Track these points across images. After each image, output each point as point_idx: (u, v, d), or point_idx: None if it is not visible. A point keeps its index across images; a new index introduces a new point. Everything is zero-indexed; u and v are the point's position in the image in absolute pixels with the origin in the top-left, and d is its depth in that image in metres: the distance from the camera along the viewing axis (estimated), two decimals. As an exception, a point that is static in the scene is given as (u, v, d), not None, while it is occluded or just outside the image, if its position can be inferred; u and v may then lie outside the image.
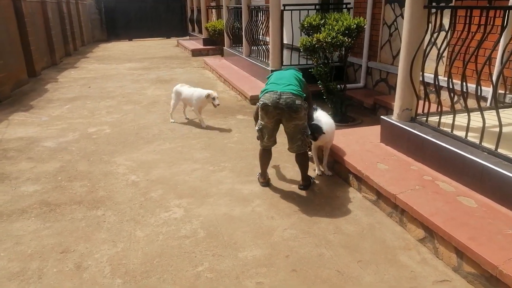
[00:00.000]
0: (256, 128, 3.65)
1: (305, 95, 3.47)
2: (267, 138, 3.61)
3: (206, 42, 14.49)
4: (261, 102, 3.42)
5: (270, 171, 4.06)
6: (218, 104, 5.54)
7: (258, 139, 3.70)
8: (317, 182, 3.90)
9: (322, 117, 3.93)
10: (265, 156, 3.77)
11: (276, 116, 3.43)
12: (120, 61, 13.11)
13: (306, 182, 3.76)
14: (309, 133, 3.60)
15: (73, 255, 2.84)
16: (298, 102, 3.34)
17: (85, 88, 8.75)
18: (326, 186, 3.82)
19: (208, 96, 5.48)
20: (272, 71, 3.98)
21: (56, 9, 13.32)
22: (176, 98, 5.88)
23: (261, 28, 8.26)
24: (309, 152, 4.00)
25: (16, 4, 9.10)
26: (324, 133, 3.72)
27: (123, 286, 2.52)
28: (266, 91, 3.47)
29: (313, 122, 3.75)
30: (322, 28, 5.41)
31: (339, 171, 4.01)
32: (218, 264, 2.69)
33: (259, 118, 3.58)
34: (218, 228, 3.13)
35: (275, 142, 3.72)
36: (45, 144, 5.13)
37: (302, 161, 3.70)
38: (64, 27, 14.03)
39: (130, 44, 19.11)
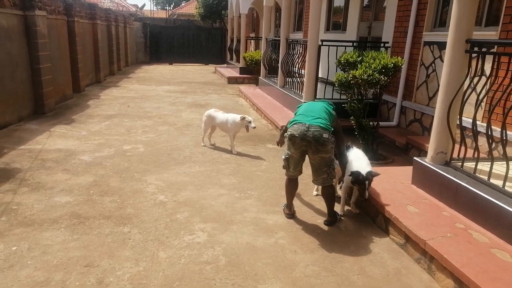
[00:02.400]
0: (283, 157, 3.68)
1: (332, 129, 3.48)
2: (292, 168, 3.63)
3: (242, 70, 14.87)
4: (289, 133, 3.46)
5: (296, 203, 4.02)
6: (254, 127, 5.66)
7: (284, 168, 3.71)
8: (343, 219, 3.83)
9: (360, 160, 3.77)
10: (291, 186, 3.76)
11: (302, 147, 3.44)
12: (160, 83, 13.63)
13: (332, 218, 3.70)
14: (351, 178, 3.62)
15: (96, 270, 2.89)
16: (325, 135, 3.35)
17: (124, 106, 9.12)
18: (352, 224, 3.73)
19: (243, 119, 5.59)
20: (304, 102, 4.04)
21: (106, 31, 14.16)
22: (209, 122, 6.01)
23: (297, 61, 8.40)
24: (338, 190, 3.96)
25: (69, 24, 9.78)
26: (371, 179, 3.58)
27: (141, 306, 2.53)
28: (294, 122, 3.50)
29: (355, 171, 3.58)
30: (359, 65, 5.44)
31: (367, 210, 3.92)
32: (236, 294, 2.66)
33: (286, 148, 3.60)
34: (240, 257, 3.11)
35: (300, 172, 3.71)
36: (81, 157, 5.34)
37: (328, 195, 3.66)
38: (111, 48, 14.84)
39: (170, 68, 19.88)
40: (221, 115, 5.91)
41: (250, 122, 5.61)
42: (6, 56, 6.64)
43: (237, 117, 5.69)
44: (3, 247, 3.13)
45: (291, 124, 3.53)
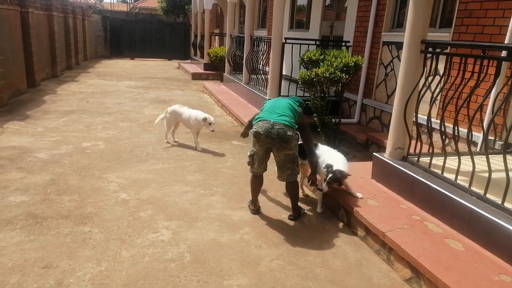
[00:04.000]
0: (248, 154, 3.73)
1: (297, 126, 3.55)
2: (257, 165, 3.68)
3: (206, 67, 14.74)
4: (254, 130, 3.50)
5: (262, 199, 4.06)
6: (213, 131, 5.60)
7: (248, 165, 3.76)
8: (308, 213, 3.91)
9: (336, 157, 3.79)
10: (256, 182, 3.80)
11: (267, 144, 3.49)
12: (121, 78, 13.24)
13: (296, 213, 3.77)
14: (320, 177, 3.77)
15: (55, 271, 2.78)
16: (289, 133, 3.41)
17: (83, 102, 8.79)
18: (316, 218, 3.82)
19: (205, 120, 5.54)
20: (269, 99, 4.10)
21: (62, 23, 13.54)
22: (173, 119, 5.91)
23: (262, 58, 8.45)
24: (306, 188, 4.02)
25: (23, 15, 9.27)
26: (349, 174, 3.63)
27: (103, 306, 2.46)
28: (259, 119, 3.54)
29: (336, 169, 3.57)
30: (321, 63, 5.56)
31: (329, 205, 4.03)
32: (202, 291, 2.66)
33: (251, 145, 3.65)
34: (205, 253, 3.10)
35: (265, 169, 3.77)
36: (37, 155, 5.10)
37: (292, 190, 3.75)
38: (69, 41, 14.22)
39: (131, 63, 19.34)
40: (186, 111, 5.83)
41: (210, 124, 5.53)
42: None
43: (200, 115, 5.64)
44: (-49, 250, 2.94)
45: (256, 121, 3.56)
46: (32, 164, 4.78)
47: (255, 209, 3.85)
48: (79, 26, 16.17)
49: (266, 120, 3.47)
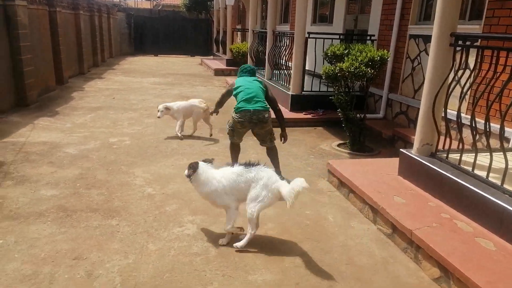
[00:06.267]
0: (228, 127, 4.39)
1: (269, 107, 4.29)
2: (236, 137, 4.44)
3: (229, 62, 14.79)
4: (238, 119, 4.19)
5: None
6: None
7: (228, 134, 4.45)
8: (332, 210, 3.87)
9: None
10: (236, 149, 4.56)
11: (249, 127, 4.30)
12: (145, 75, 13.45)
13: (278, 170, 4.24)
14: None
15: (85, 262, 2.86)
16: (266, 115, 4.22)
17: (109, 98, 8.98)
18: (340, 215, 3.78)
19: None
20: (240, 75, 4.53)
21: (89, 21, 13.86)
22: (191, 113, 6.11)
23: (284, 53, 8.40)
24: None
25: (51, 14, 9.53)
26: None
27: (131, 298, 2.52)
28: (241, 109, 4.16)
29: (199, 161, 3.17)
30: (346, 58, 5.47)
31: (354, 201, 3.98)
32: (227, 285, 2.68)
33: (232, 123, 4.30)
34: (229, 248, 3.12)
35: (241, 140, 4.53)
36: (66, 150, 5.26)
37: (274, 153, 4.49)
38: (95, 39, 14.54)
39: (155, 60, 19.62)
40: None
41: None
42: (-14, 46, 6.45)
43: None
44: (-12, 241, 3.07)
45: (238, 110, 4.18)
46: (61, 159, 4.93)
47: None
48: (105, 24, 16.51)
49: (247, 109, 4.14)
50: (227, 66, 14.81)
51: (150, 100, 9.07)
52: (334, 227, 3.54)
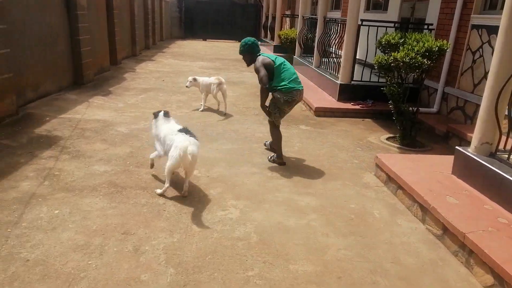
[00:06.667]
0: (276, 113, 4.43)
1: None
2: (281, 118, 4.53)
3: (276, 49, 14.66)
4: (291, 99, 4.28)
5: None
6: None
7: (275, 120, 4.48)
8: (379, 205, 3.75)
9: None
10: (280, 136, 4.58)
11: (292, 106, 4.44)
12: (194, 59, 13.66)
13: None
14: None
15: (132, 237, 2.98)
16: None
17: (159, 81, 9.22)
18: (387, 211, 3.66)
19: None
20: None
21: (142, 5, 14.23)
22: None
23: (334, 41, 8.16)
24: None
25: (108, -3, 9.87)
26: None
27: (175, 276, 2.59)
28: (292, 88, 4.24)
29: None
30: (401, 48, 5.22)
31: (402, 198, 3.83)
32: (268, 272, 2.68)
33: (278, 105, 4.35)
34: (271, 235, 3.12)
35: None
36: (118, 128, 5.47)
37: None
38: (147, 22, 14.94)
39: (204, 44, 19.87)
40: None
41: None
42: (47, 27, 6.80)
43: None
44: (46, 210, 3.28)
45: (289, 89, 4.23)
46: (113, 137, 5.14)
47: (283, 161, 4.52)
48: (157, 8, 16.90)
49: (297, 89, 4.29)
50: (274, 52, 14.68)
51: (197, 83, 9.19)
52: (379, 223, 3.43)
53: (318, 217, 3.45)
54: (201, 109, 6.81)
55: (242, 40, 4.53)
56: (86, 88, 7.77)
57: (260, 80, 4.32)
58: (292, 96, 4.26)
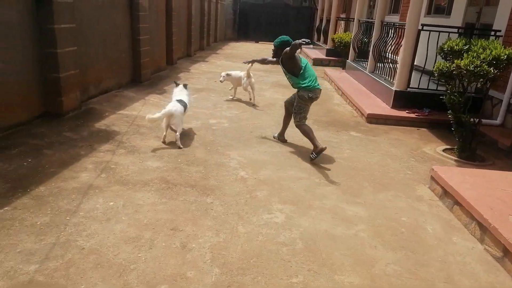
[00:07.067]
0: (302, 113, 4.91)
1: None
2: (306, 117, 4.98)
3: (329, 52, 14.44)
4: (314, 95, 4.85)
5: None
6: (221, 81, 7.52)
7: (302, 119, 4.92)
8: (432, 220, 3.56)
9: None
10: (310, 128, 4.93)
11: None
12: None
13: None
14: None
15: (181, 234, 3.06)
16: None
17: (211, 81, 9.43)
18: (441, 227, 3.46)
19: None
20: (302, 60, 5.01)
21: (199, 6, 14.65)
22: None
23: (391, 45, 7.88)
24: None
25: (168, -1, 10.26)
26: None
27: (219, 276, 2.62)
28: (314, 87, 4.83)
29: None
30: (465, 55, 4.92)
31: (459, 214, 3.60)
32: (312, 281, 2.64)
33: (303, 105, 4.90)
34: (317, 243, 3.07)
35: None
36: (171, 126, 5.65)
37: (289, 122, 5.34)
38: (203, 24, 15.35)
39: (256, 46, 20.06)
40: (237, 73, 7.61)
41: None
42: (112, 27, 7.19)
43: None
44: (102, 201, 3.46)
45: (311, 87, 4.81)
46: (166, 134, 5.31)
47: (323, 146, 4.71)
48: (213, 10, 17.32)
49: (318, 88, 4.90)
50: (326, 56, 14.48)
51: (248, 85, 9.29)
52: (432, 239, 3.25)
53: (366, 228, 3.34)
54: (232, 98, 7.77)
55: (279, 38, 5.22)
56: (143, 86, 8.12)
57: (295, 45, 4.64)
58: (315, 93, 4.84)
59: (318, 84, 4.90)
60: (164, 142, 4.96)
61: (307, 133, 4.85)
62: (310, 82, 4.82)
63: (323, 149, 4.67)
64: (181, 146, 4.84)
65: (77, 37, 5.78)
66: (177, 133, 4.89)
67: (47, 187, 3.58)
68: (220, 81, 7.48)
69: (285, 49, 4.82)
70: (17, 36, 4.78)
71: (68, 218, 3.15)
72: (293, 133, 5.81)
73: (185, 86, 5.63)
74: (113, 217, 3.23)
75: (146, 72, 8.54)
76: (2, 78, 4.61)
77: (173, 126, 5.03)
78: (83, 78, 6.18)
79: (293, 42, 4.66)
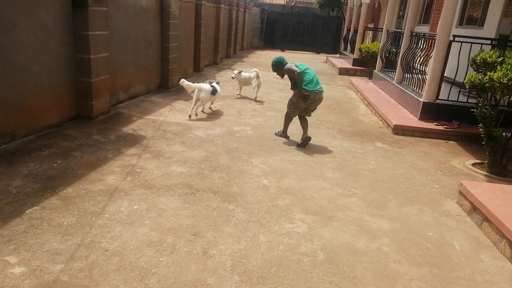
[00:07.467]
0: (292, 108, 5.63)
1: None
2: (297, 112, 5.64)
3: (355, 62, 14.32)
4: (314, 96, 5.38)
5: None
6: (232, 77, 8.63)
7: (291, 112, 5.67)
8: (460, 237, 3.44)
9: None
10: (291, 119, 5.80)
11: (308, 103, 5.46)
12: (271, 69, 13.81)
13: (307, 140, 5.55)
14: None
15: (202, 240, 3.08)
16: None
17: (236, 89, 9.48)
18: (469, 244, 3.34)
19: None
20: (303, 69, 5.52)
21: (227, 15, 14.85)
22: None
23: (420, 56, 7.73)
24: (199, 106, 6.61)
25: (197, 7, 10.46)
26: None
27: (239, 284, 2.62)
28: (316, 88, 5.38)
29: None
30: (498, 67, 4.77)
31: (488, 232, 3.46)
32: (333, 293, 2.59)
33: (296, 102, 5.52)
34: (339, 255, 3.02)
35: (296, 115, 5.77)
36: (196, 133, 5.73)
37: (306, 122, 5.66)
38: (230, 32, 15.54)
39: (281, 55, 20.04)
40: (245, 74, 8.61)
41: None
42: (142, 34, 7.39)
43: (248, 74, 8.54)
44: (127, 204, 3.53)
45: (312, 88, 5.35)
46: (191, 140, 5.39)
47: (287, 136, 5.87)
48: (241, 19, 17.51)
49: (319, 90, 5.43)
50: (353, 65, 14.36)
51: (273, 93, 9.32)
52: (459, 257, 3.14)
53: (390, 242, 3.26)
54: (238, 94, 8.74)
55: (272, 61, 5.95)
56: (170, 92, 8.28)
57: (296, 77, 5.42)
58: (315, 94, 5.38)
59: (319, 87, 5.44)
60: (190, 117, 6.29)
61: (288, 120, 5.77)
62: (312, 86, 5.39)
63: (284, 137, 5.83)
64: (212, 109, 7.04)
65: (109, 44, 5.97)
66: (202, 107, 6.63)
67: (75, 189, 3.68)
68: (232, 77, 8.57)
69: (285, 67, 5.63)
70: (53, 41, 4.99)
71: (93, 219, 3.23)
72: (318, 142, 5.78)
73: (217, 83, 6.97)
74: (137, 220, 3.28)
75: (173, 79, 8.70)
76: (38, 80, 4.81)
77: (199, 102, 6.36)
78: (113, 83, 6.36)
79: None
